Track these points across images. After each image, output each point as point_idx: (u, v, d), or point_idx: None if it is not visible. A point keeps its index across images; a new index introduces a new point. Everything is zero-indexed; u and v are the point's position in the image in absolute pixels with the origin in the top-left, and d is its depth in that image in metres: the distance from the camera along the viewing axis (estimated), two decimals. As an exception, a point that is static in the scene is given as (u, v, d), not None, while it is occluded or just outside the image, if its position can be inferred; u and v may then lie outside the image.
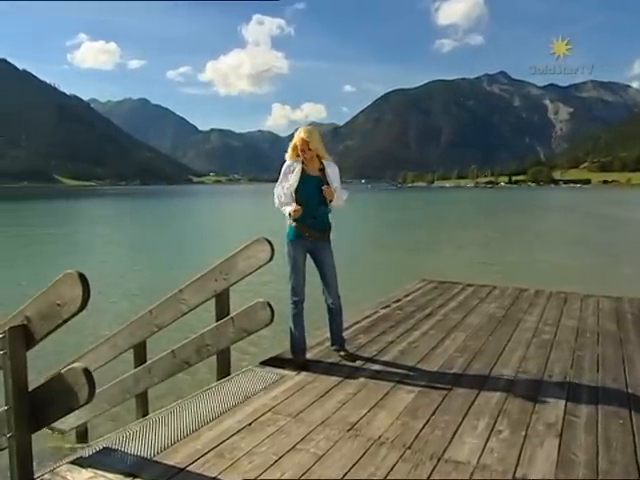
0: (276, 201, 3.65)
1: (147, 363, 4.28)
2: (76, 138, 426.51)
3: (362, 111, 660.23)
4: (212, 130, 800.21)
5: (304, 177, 3.57)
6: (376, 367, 3.65)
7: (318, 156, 3.62)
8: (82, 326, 7.94)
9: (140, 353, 4.43)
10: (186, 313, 4.02)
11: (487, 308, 5.42)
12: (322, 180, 3.59)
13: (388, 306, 5.47)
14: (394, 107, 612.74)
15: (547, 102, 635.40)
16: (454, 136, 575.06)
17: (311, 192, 3.57)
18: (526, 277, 12.06)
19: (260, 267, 3.60)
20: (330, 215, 3.75)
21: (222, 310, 3.89)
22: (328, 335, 4.02)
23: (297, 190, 3.55)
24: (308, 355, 3.86)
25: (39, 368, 4.14)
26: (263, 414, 2.92)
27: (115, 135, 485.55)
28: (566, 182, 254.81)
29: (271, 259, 3.53)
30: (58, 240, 24.35)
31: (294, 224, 3.58)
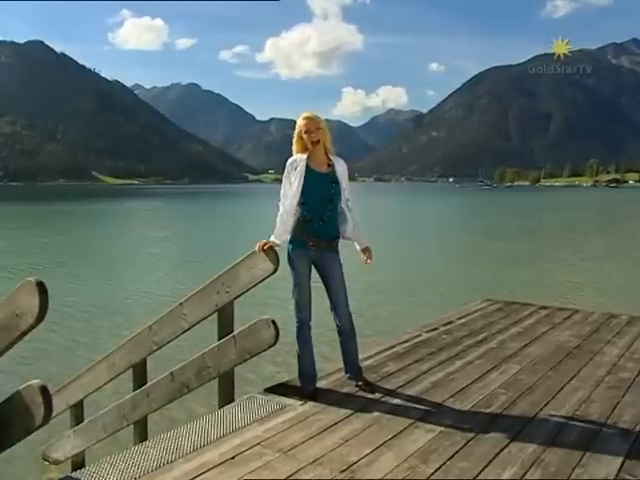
0: (278, 220, 3.71)
1: (146, 386, 4.54)
2: (117, 130, 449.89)
3: (451, 95, 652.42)
4: (272, 120, 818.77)
5: (309, 175, 3.64)
6: (397, 400, 3.69)
7: (325, 149, 3.71)
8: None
9: (140, 373, 4.71)
10: (187, 330, 4.26)
11: (558, 336, 5.30)
12: (331, 177, 3.67)
13: (435, 329, 5.48)
14: (491, 89, 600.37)
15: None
16: (567, 123, 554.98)
17: (318, 192, 3.64)
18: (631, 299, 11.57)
19: (265, 279, 3.76)
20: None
21: (225, 327, 4.08)
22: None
23: (302, 191, 3.63)
24: (322, 383, 3.97)
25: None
26: (250, 447, 3.05)
27: (161, 126, 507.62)
28: None
29: (276, 269, 3.67)
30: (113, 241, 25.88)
31: (298, 230, 3.68)
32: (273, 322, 3.67)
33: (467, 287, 13.83)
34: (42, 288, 2.54)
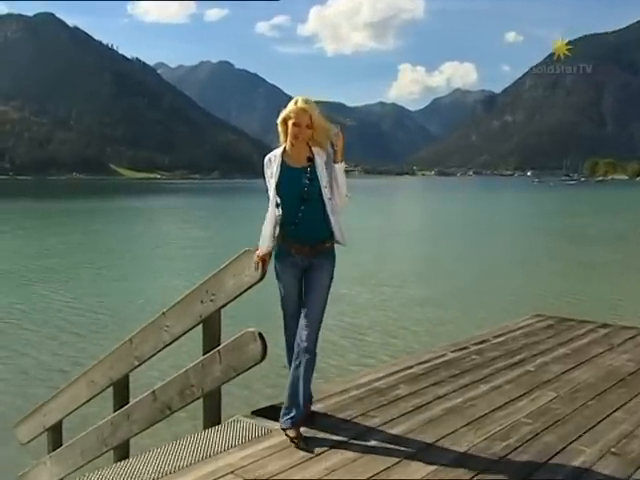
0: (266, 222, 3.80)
1: (126, 407, 4.74)
2: (138, 116, 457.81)
3: (530, 70, 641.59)
4: (316, 103, 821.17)
5: (283, 171, 3.65)
6: (400, 428, 3.76)
7: (309, 143, 3.67)
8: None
9: (120, 391, 4.92)
10: (169, 343, 4.44)
11: (613, 360, 5.27)
12: (307, 173, 3.61)
13: (464, 348, 5.53)
14: (581, 62, 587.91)
15: None
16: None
17: (290, 190, 3.63)
18: None
19: (252, 286, 3.89)
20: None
21: (211, 340, 4.24)
22: (353, 383, 4.23)
23: (277, 190, 3.65)
24: (319, 406, 4.07)
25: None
26: (222, 476, 3.18)
27: (188, 111, 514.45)
28: None
29: (263, 276, 3.79)
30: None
31: (279, 235, 3.73)
32: (260, 335, 3.76)
33: (527, 299, 13.72)
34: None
